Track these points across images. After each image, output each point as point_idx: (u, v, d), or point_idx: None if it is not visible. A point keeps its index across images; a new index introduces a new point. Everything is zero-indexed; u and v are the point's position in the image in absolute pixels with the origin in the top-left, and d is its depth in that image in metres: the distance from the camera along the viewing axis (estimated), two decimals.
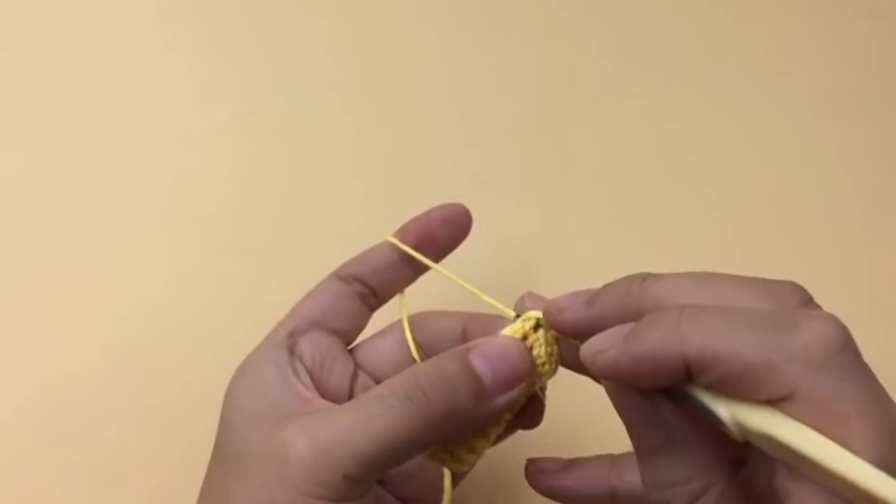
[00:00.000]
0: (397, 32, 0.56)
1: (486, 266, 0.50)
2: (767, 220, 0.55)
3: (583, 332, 0.31)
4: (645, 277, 0.31)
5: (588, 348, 0.30)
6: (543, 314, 0.34)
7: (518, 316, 0.35)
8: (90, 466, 0.45)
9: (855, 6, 0.60)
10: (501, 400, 0.33)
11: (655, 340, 0.28)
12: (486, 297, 0.37)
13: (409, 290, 0.40)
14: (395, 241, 0.39)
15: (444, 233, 0.39)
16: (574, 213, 0.54)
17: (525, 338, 0.34)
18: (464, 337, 0.38)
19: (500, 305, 0.37)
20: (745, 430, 0.27)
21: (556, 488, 0.37)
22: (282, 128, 0.53)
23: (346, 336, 0.39)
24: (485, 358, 0.33)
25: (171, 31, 0.54)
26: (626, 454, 0.36)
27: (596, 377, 0.31)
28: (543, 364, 0.35)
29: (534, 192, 0.54)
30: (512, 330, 0.35)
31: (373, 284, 0.39)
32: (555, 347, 0.35)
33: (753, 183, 0.56)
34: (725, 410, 0.27)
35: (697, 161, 0.56)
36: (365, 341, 0.40)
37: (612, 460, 0.37)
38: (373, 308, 0.40)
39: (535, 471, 0.37)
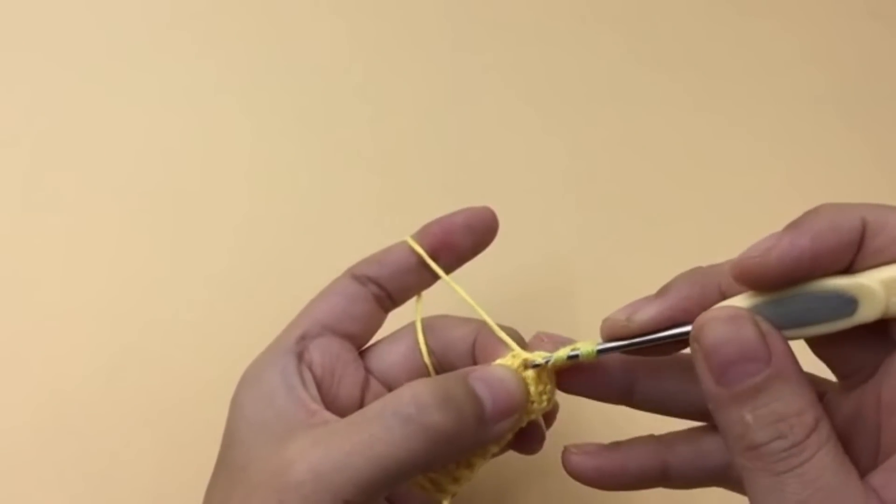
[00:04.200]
0: (420, 33, 0.54)
1: (511, 277, 0.49)
2: (790, 219, 0.54)
3: (661, 328, 0.31)
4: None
5: (753, 250, 0.29)
6: (603, 330, 0.33)
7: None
8: (95, 471, 0.44)
9: (855, 6, 0.59)
10: (498, 428, 0.33)
11: (832, 213, 0.29)
12: (488, 318, 0.36)
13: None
14: (413, 244, 0.37)
15: (465, 239, 0.37)
16: (608, 216, 0.53)
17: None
18: (473, 349, 0.36)
19: (502, 334, 0.35)
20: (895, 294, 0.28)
21: (602, 469, 0.34)
22: (300, 129, 0.52)
23: (359, 340, 0.38)
24: (486, 383, 0.33)
25: (190, 33, 0.53)
26: (669, 432, 0.35)
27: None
28: (532, 402, 0.34)
29: (564, 200, 0.53)
30: (504, 363, 0.34)
31: (389, 288, 0.37)
32: (547, 385, 0.34)
33: (772, 187, 0.55)
34: (869, 280, 0.29)
35: (720, 168, 0.55)
36: (377, 345, 0.38)
37: (655, 438, 0.35)
38: (388, 310, 0.38)
39: (578, 452, 0.35)
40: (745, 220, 0.53)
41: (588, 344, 0.33)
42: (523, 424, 0.35)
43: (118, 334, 0.46)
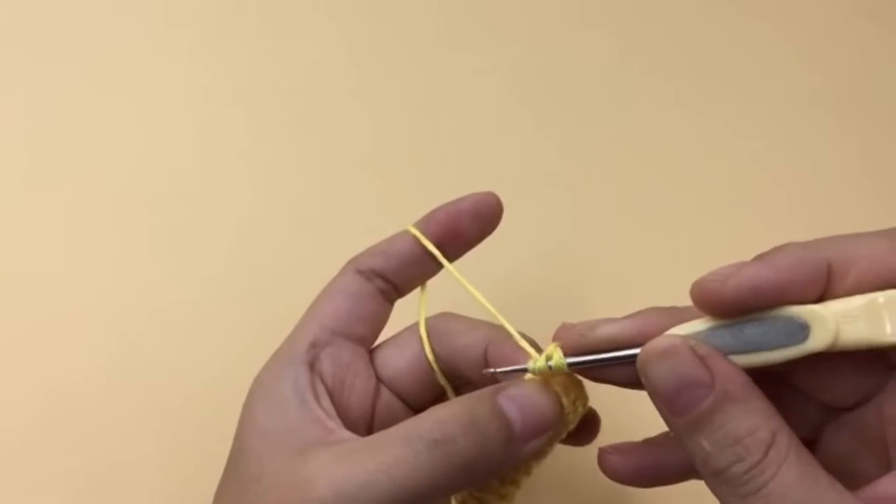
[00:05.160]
0: (416, 36, 0.54)
1: (508, 275, 0.48)
2: (783, 219, 0.54)
3: (618, 346, 0.31)
4: None
5: (713, 275, 0.29)
6: (560, 337, 0.32)
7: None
8: (96, 471, 0.44)
9: (850, 6, 0.59)
10: (530, 447, 0.32)
11: (797, 250, 0.29)
12: (510, 326, 0.34)
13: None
14: (419, 234, 0.36)
15: (472, 226, 0.36)
16: (603, 216, 0.53)
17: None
18: (484, 358, 0.35)
19: (524, 344, 0.34)
20: (846, 324, 0.28)
21: (642, 468, 0.33)
22: (297, 130, 0.52)
23: (369, 340, 0.37)
24: (515, 402, 0.31)
25: (188, 34, 0.53)
26: None
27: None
28: (568, 413, 0.33)
29: (562, 199, 0.53)
30: (533, 375, 0.33)
31: (395, 280, 0.36)
32: (579, 391, 0.33)
33: (767, 187, 0.55)
34: (822, 308, 0.28)
35: (713, 165, 0.55)
36: (384, 350, 0.37)
37: None
38: (393, 301, 0.37)
39: (615, 453, 0.33)
40: (740, 218, 0.53)
41: (560, 357, 0.32)
42: (563, 436, 0.34)
43: (118, 334, 0.46)
